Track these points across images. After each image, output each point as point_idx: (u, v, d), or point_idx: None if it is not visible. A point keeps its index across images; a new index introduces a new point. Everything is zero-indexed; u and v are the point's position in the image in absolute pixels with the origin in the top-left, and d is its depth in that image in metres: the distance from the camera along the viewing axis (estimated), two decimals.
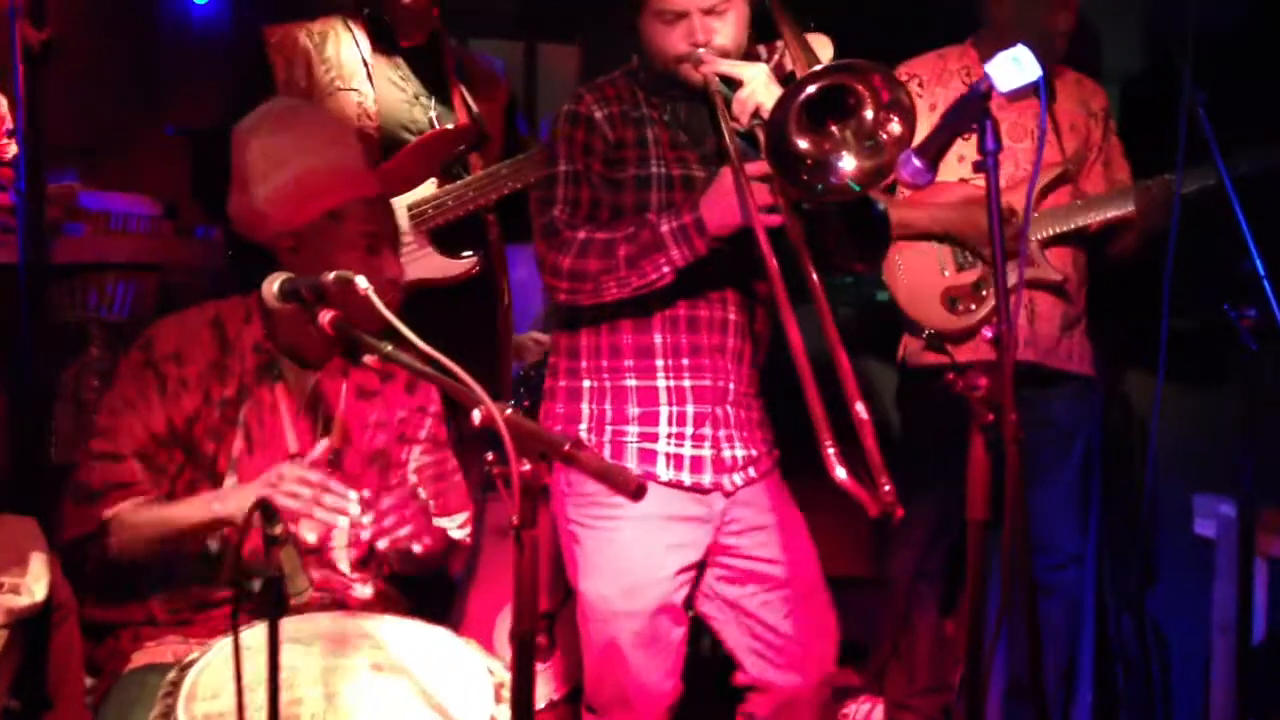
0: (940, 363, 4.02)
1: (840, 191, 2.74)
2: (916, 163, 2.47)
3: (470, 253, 3.81)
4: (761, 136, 2.89)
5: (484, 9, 5.78)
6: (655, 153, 3.13)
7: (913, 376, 4.16)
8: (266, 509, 2.00)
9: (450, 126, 3.82)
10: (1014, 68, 2.36)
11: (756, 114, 2.95)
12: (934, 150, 2.46)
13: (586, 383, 3.17)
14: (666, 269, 2.97)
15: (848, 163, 2.73)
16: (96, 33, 4.94)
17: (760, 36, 3.16)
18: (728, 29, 3.06)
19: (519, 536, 1.98)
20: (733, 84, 3.01)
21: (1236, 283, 3.33)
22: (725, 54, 3.05)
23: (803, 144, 2.74)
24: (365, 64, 3.80)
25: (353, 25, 3.85)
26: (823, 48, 3.05)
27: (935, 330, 4.02)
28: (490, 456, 3.37)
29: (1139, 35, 4.62)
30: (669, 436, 3.12)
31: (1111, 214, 4.00)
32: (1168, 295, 3.45)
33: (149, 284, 4.23)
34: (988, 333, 2.39)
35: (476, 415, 2.00)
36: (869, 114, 2.70)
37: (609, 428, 3.14)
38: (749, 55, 3.11)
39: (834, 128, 2.73)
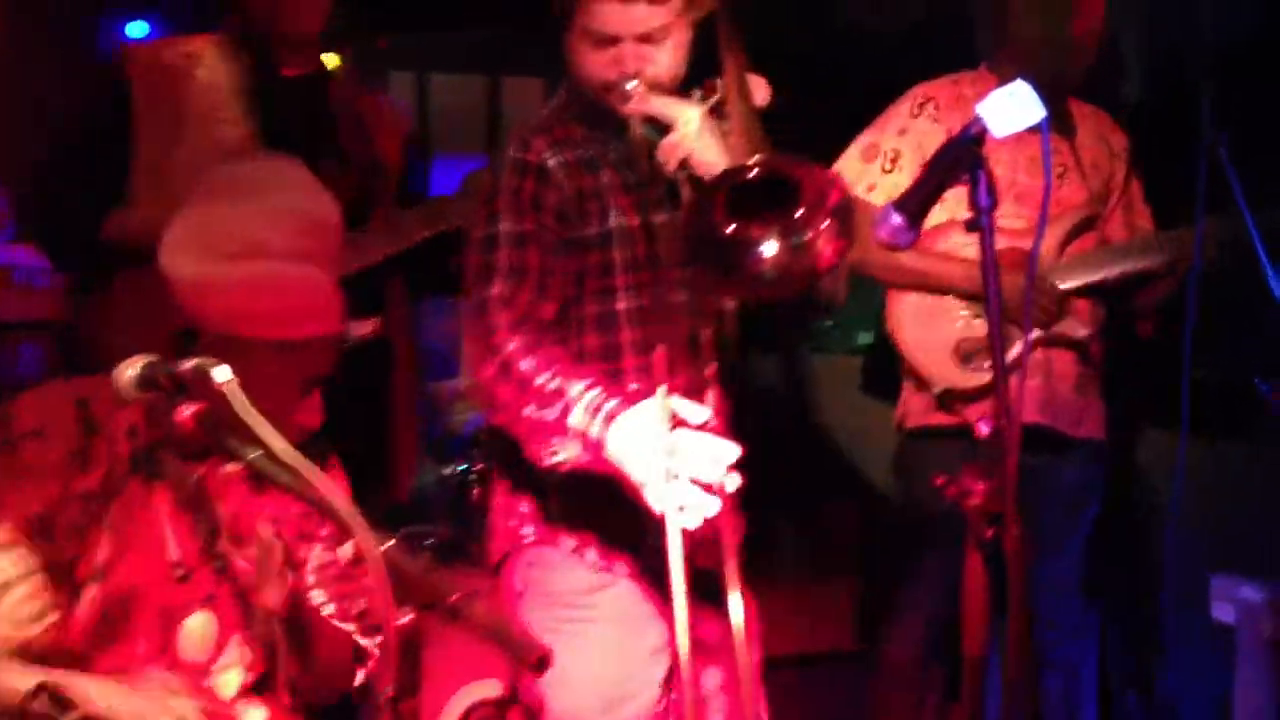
0: (948, 423, 3.63)
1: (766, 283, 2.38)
2: (896, 219, 2.05)
3: (366, 315, 3.31)
4: (684, 191, 2.53)
5: (443, 41, 5.39)
6: (612, 201, 2.73)
7: (915, 439, 3.75)
8: (55, 695, 1.56)
9: (347, 165, 3.39)
10: (1011, 107, 1.94)
11: (684, 163, 2.54)
12: (917, 204, 2.04)
13: (545, 473, 2.73)
14: (557, 456, 2.56)
15: (769, 248, 2.36)
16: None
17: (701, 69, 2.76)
18: (664, 59, 2.66)
19: (396, 710, 1.54)
20: (661, 126, 2.62)
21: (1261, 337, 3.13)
22: (658, 87, 2.65)
23: (729, 227, 2.38)
24: (241, 92, 3.34)
25: (228, 47, 3.39)
26: (758, 89, 2.69)
27: (946, 387, 3.62)
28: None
29: (1137, 64, 4.29)
30: (659, 531, 2.67)
31: (1138, 265, 3.62)
32: (1189, 353, 3.06)
33: (52, 344, 3.79)
34: (984, 428, 1.96)
35: (346, 549, 1.57)
36: (801, 212, 2.34)
37: (587, 527, 2.75)
38: (686, 90, 2.72)
39: (764, 216, 2.38)
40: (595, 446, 2.45)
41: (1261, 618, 3.16)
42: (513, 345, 2.56)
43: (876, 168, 3.68)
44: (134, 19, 4.91)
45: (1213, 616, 3.50)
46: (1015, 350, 3.53)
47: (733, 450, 2.36)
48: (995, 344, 1.97)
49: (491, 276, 2.63)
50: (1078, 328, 3.60)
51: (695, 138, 2.54)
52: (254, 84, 3.35)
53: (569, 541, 2.73)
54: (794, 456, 4.46)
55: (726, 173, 2.37)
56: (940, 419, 3.63)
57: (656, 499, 2.38)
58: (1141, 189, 3.78)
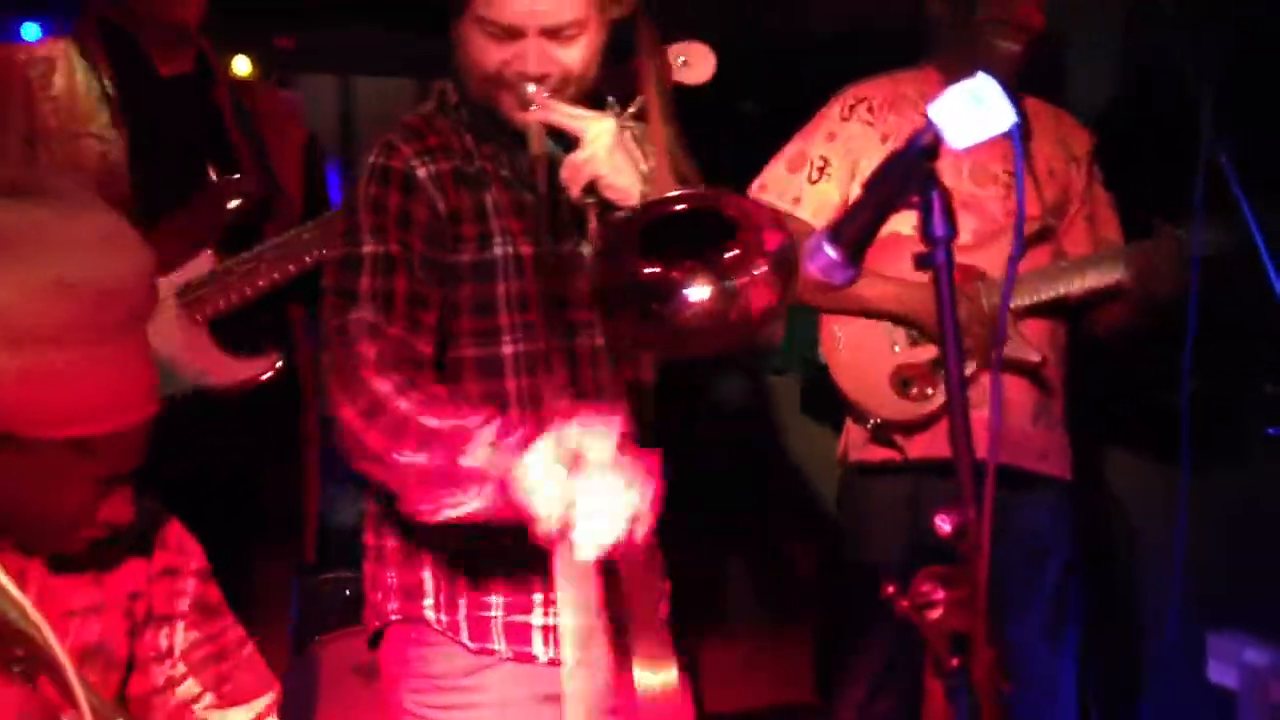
0: (892, 458, 3.24)
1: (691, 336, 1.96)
2: (830, 252, 1.60)
3: (265, 347, 2.88)
4: (592, 220, 2.12)
5: (370, 44, 4.97)
6: (498, 224, 2.27)
7: (857, 474, 3.33)
8: None
9: (231, 177, 2.91)
10: (972, 110, 1.48)
11: (592, 187, 2.11)
12: (855, 233, 1.59)
13: (424, 540, 2.31)
14: (452, 514, 2.09)
15: (696, 293, 1.96)
16: None
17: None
18: (573, 60, 2.23)
19: None
20: (567, 140, 2.19)
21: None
22: (565, 93, 2.23)
23: (649, 269, 1.97)
24: (109, 99, 2.87)
25: (91, 48, 2.92)
26: (701, 60, 2.29)
27: (883, 419, 3.21)
28: None
29: (1110, 61, 3.87)
30: (546, 604, 2.28)
31: (1100, 280, 3.19)
32: (1188, 378, 2.70)
33: None
34: (945, 525, 1.51)
35: None
36: (734, 253, 1.95)
37: (463, 601, 2.29)
38: (597, 98, 2.29)
39: (690, 257, 1.97)
40: (500, 488, 2.01)
41: (1269, 683, 2.82)
42: (384, 383, 2.12)
43: (802, 178, 3.28)
44: (26, 20, 4.40)
45: (1210, 679, 3.08)
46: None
47: (639, 499, 1.96)
48: (955, 407, 1.51)
49: (353, 304, 2.19)
50: (1028, 351, 3.19)
51: (606, 156, 2.12)
52: (124, 89, 2.90)
53: (441, 617, 2.29)
54: (748, 491, 4.03)
55: (647, 204, 1.95)
56: (882, 453, 3.25)
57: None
58: (1109, 198, 3.39)
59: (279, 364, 2.84)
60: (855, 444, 3.30)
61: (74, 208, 1.79)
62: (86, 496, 1.85)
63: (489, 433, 2.02)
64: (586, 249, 2.24)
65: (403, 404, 2.09)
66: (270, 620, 2.98)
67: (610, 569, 2.11)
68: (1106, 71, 3.83)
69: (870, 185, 1.61)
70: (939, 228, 1.50)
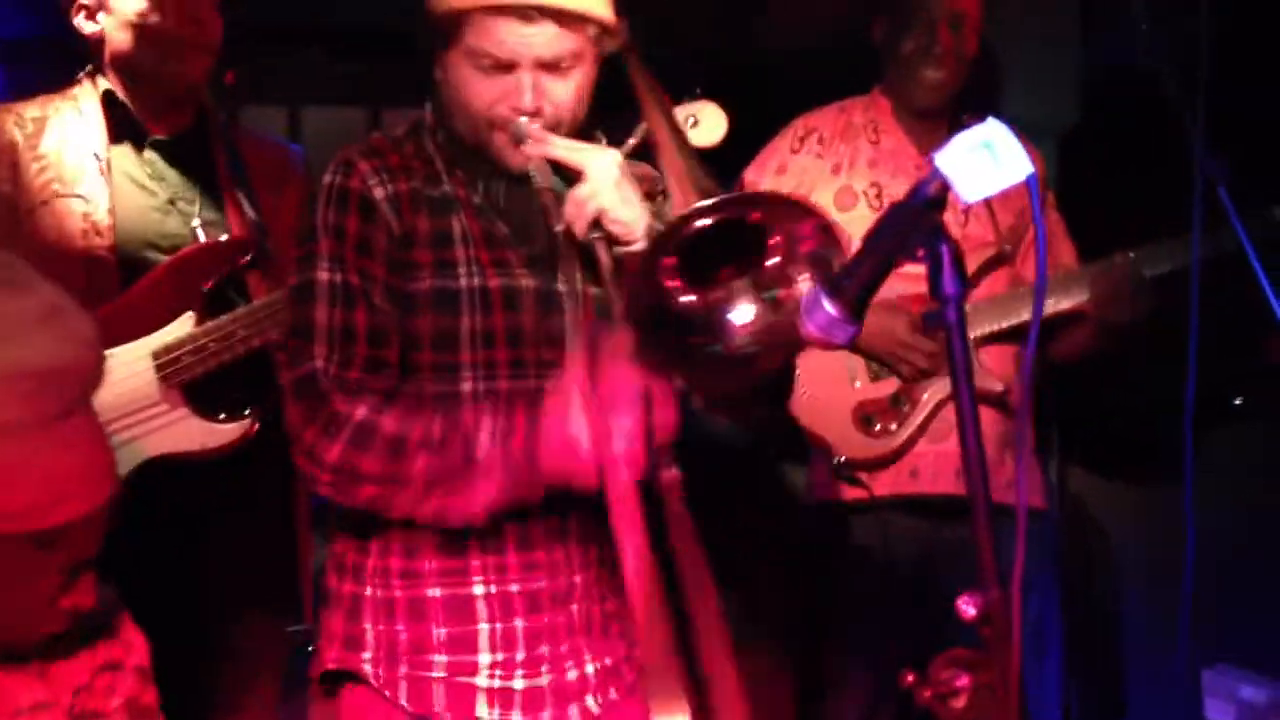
0: (859, 498, 3.13)
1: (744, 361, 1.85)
2: (829, 309, 1.48)
3: (243, 412, 2.74)
4: (603, 256, 1.99)
5: (319, 71, 4.80)
6: (464, 253, 2.13)
7: (823, 515, 3.22)
8: None
9: (219, 239, 2.77)
10: (984, 159, 1.36)
11: (598, 222, 2.01)
12: (856, 288, 1.47)
13: (369, 590, 2.15)
14: (480, 509, 2.01)
15: (742, 313, 1.85)
16: None
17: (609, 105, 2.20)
18: (568, 93, 2.11)
19: None
20: (568, 175, 2.06)
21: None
22: (559, 128, 2.11)
23: (686, 298, 1.86)
24: (98, 158, 2.74)
25: (85, 106, 2.78)
26: (712, 121, 2.21)
27: (846, 458, 3.12)
28: None
29: (1065, 76, 3.76)
30: (492, 666, 2.12)
31: (1062, 305, 3.09)
32: (1192, 399, 2.57)
33: None
34: (970, 609, 1.40)
35: None
36: (774, 261, 1.84)
37: (403, 663, 2.13)
38: (588, 133, 2.18)
39: (724, 274, 1.87)
40: (524, 464, 1.96)
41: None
42: (361, 407, 2.02)
43: None
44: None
45: (1207, 716, 3.00)
46: (921, 411, 3.04)
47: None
48: (975, 480, 1.40)
49: (310, 342, 2.07)
50: (990, 381, 3.11)
51: (611, 189, 2.01)
52: (117, 147, 2.79)
53: (380, 674, 2.14)
54: (719, 527, 3.87)
55: (672, 225, 1.83)
56: (848, 492, 3.15)
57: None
58: (1063, 221, 3.31)
59: (255, 426, 2.71)
60: (820, 483, 3.21)
61: (12, 288, 1.66)
62: (50, 588, 1.72)
63: (487, 421, 1.98)
64: (594, 289, 2.13)
65: (388, 420, 2.00)
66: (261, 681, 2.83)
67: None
68: (1062, 86, 3.74)
69: (872, 237, 1.49)
70: (949, 284, 1.39)
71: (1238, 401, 3.87)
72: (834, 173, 3.20)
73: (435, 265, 2.11)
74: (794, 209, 1.80)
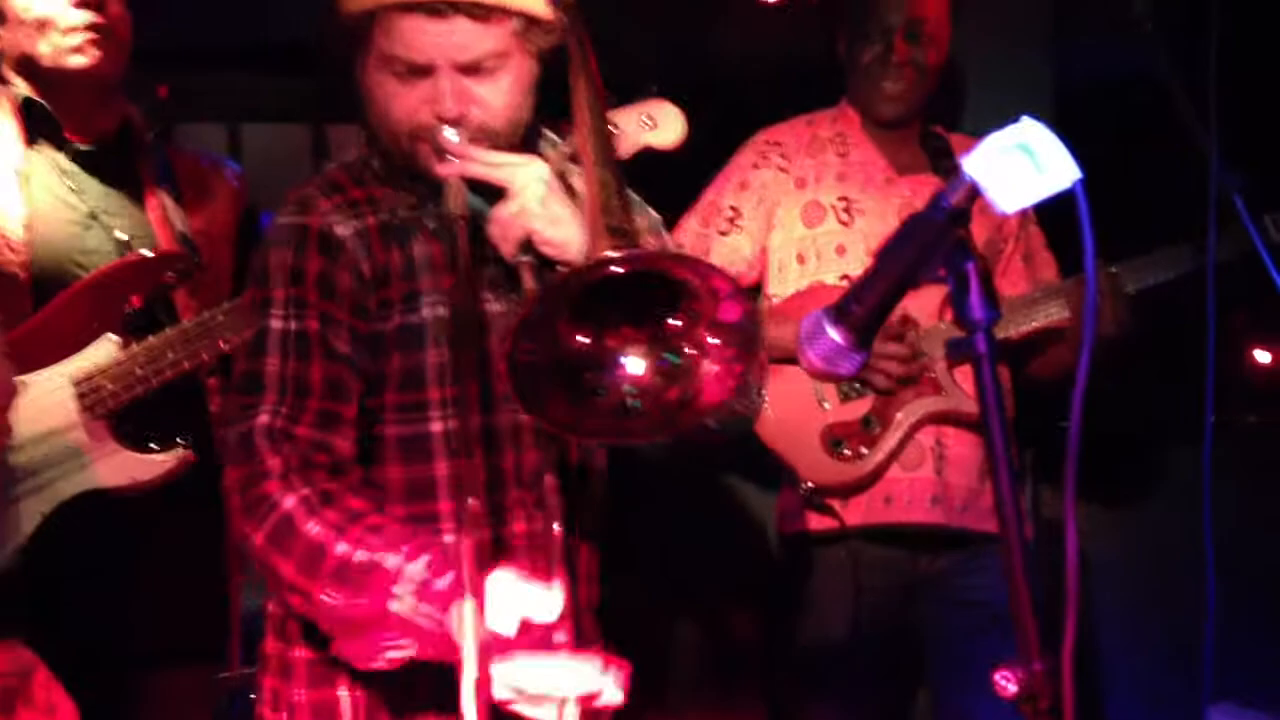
0: (830, 529, 2.95)
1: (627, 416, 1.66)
2: (834, 336, 1.28)
3: (176, 442, 2.50)
4: (527, 281, 1.80)
5: (261, 87, 4.61)
6: (428, 283, 1.93)
7: (794, 545, 3.04)
8: None
9: (143, 254, 2.52)
10: (1022, 163, 1.17)
11: (528, 245, 1.81)
12: (865, 313, 1.27)
13: (298, 652, 1.96)
14: (383, 663, 1.79)
15: (632, 365, 1.67)
16: None
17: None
18: (496, 97, 1.90)
19: None
20: (493, 192, 1.86)
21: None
22: (489, 137, 1.89)
23: (579, 337, 1.66)
24: (16, 173, 2.52)
25: (4, 120, 2.56)
26: (669, 121, 2.01)
27: (813, 485, 2.94)
28: None
29: (1034, 94, 3.60)
30: None
31: (1041, 321, 2.96)
32: (1211, 417, 2.49)
33: None
34: (1010, 685, 1.21)
35: None
36: (680, 323, 1.66)
37: None
38: (530, 141, 1.97)
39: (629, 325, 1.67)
40: (432, 637, 1.71)
41: None
42: (290, 498, 1.79)
43: (713, 230, 3.08)
44: None
45: None
46: (894, 434, 2.89)
47: (584, 678, 1.68)
48: (1013, 552, 1.20)
49: (257, 399, 1.85)
50: (966, 403, 2.93)
51: (539, 207, 1.82)
52: (34, 156, 2.55)
53: None
54: (688, 559, 3.70)
55: (583, 267, 1.63)
56: (819, 522, 2.96)
57: None
58: (1043, 236, 3.16)
59: (188, 458, 2.48)
60: (790, 512, 3.04)
61: None
62: None
63: (416, 569, 1.73)
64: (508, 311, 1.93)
65: (313, 527, 1.77)
66: None
67: None
68: (1034, 98, 3.59)
69: (885, 254, 1.29)
70: (977, 308, 1.19)
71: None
72: (799, 187, 3.06)
73: (403, 299, 1.92)
74: (717, 278, 1.61)
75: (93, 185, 2.58)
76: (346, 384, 1.88)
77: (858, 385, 2.96)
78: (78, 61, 2.49)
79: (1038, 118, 3.43)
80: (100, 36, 2.49)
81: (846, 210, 3.02)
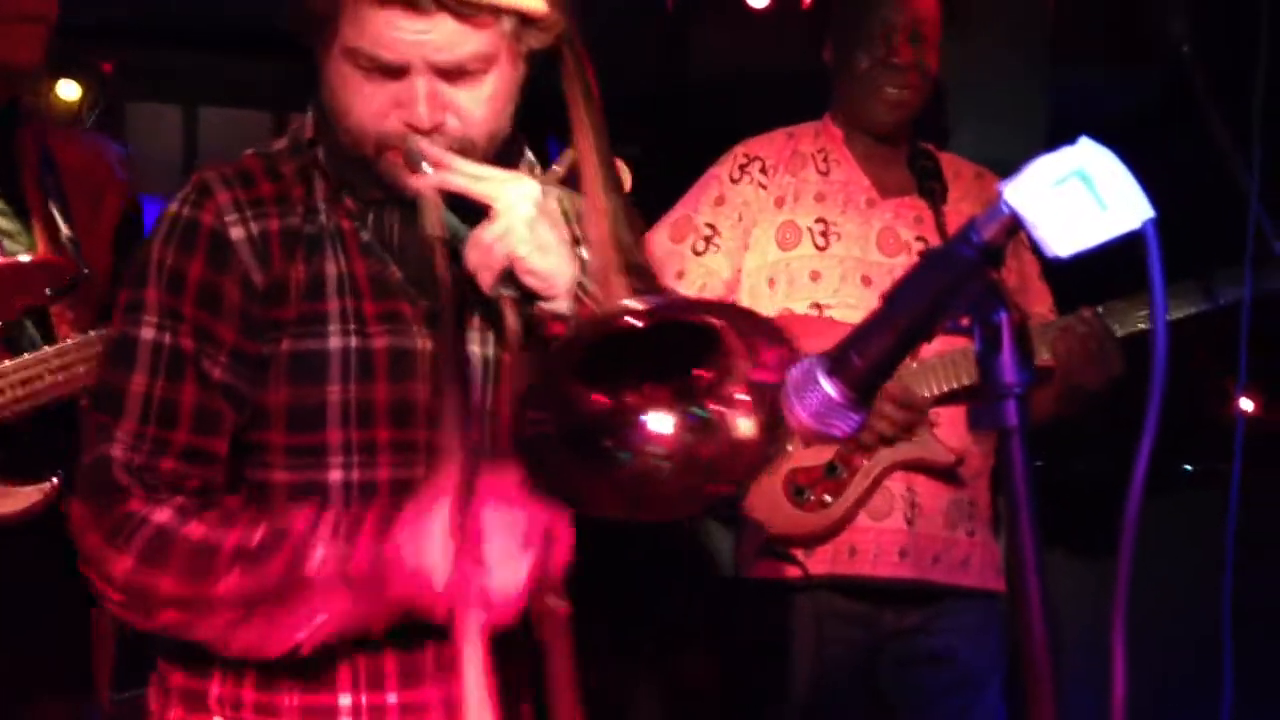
0: (792, 577, 2.73)
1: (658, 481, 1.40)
2: (829, 390, 1.04)
3: (42, 472, 2.22)
4: (509, 317, 1.52)
5: (226, 75, 4.43)
6: (338, 305, 1.64)
7: (753, 594, 2.82)
8: None
9: (20, 260, 2.24)
10: (1080, 195, 0.93)
11: (509, 277, 1.52)
12: (868, 365, 1.03)
13: (216, 689, 1.67)
14: (305, 638, 1.54)
15: (662, 424, 1.42)
16: None
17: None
18: (478, 105, 1.60)
19: None
20: (473, 210, 1.57)
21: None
22: (471, 149, 1.60)
23: (598, 398, 1.42)
24: None
25: None
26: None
27: (775, 533, 2.73)
28: None
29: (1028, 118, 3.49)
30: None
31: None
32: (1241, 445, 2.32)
33: None
34: None
35: None
36: (711, 375, 1.42)
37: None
38: (507, 156, 1.69)
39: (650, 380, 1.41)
40: (364, 581, 1.50)
41: None
42: (162, 512, 1.54)
43: (686, 248, 2.82)
44: None
45: None
46: (860, 482, 2.71)
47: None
48: (1040, 666, 0.97)
49: (115, 421, 1.59)
50: (938, 451, 2.74)
51: (526, 231, 1.53)
52: None
53: None
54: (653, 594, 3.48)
55: (601, 320, 1.40)
56: (781, 569, 2.74)
57: None
58: (1039, 266, 2.94)
59: (58, 489, 2.20)
60: (750, 556, 2.82)
61: None
62: None
63: (325, 527, 1.52)
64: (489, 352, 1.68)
65: (195, 529, 1.53)
66: None
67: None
68: (1027, 122, 3.46)
69: (894, 298, 1.03)
70: (1009, 370, 0.95)
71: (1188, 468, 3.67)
72: (777, 206, 2.83)
73: (300, 322, 1.63)
74: (760, 326, 1.37)
75: None
76: (221, 415, 1.61)
77: None
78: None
79: (1031, 143, 3.25)
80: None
81: (824, 234, 2.80)
